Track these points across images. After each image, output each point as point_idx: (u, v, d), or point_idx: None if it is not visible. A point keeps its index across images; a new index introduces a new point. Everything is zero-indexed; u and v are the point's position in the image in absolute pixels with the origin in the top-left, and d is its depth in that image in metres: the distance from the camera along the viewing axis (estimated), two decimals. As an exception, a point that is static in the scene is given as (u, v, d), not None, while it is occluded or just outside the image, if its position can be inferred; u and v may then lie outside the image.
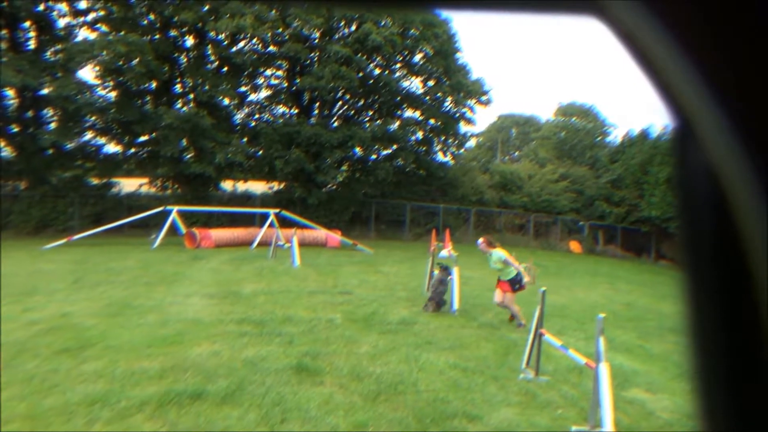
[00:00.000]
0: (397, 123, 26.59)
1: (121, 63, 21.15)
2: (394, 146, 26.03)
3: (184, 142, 22.64)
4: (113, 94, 23.02)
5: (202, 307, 8.47)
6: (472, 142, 35.89)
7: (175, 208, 17.87)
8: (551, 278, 14.67)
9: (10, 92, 22.40)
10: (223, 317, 7.79)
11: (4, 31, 22.57)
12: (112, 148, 23.67)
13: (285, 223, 18.45)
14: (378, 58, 25.20)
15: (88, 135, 23.17)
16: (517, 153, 52.57)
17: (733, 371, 0.38)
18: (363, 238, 22.29)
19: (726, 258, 0.38)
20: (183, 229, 17.72)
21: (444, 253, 17.85)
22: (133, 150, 23.65)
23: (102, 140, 23.45)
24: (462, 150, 29.64)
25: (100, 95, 22.44)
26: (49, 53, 22.43)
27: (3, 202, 20.72)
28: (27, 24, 22.83)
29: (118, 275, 11.10)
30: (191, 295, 9.30)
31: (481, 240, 8.82)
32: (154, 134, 22.36)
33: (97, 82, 22.51)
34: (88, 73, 60.55)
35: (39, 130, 21.38)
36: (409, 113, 27.24)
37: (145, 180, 23.69)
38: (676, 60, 0.34)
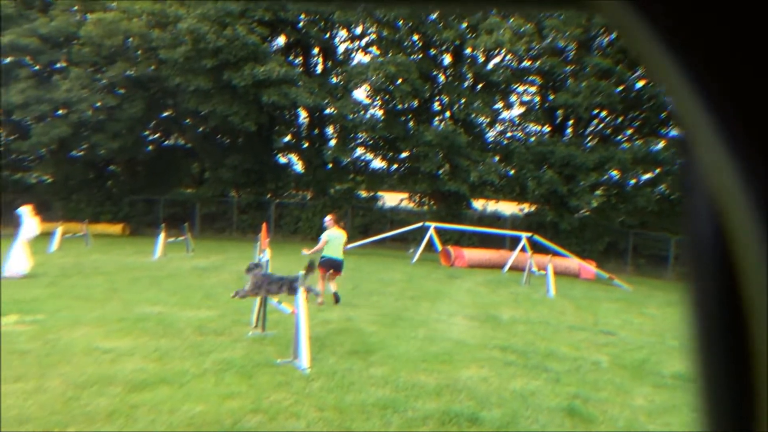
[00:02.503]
0: (662, 143, 24.14)
1: (388, 83, 23.26)
2: (657, 170, 23.69)
3: (440, 159, 23.93)
4: (380, 113, 25.63)
5: (465, 328, 8.97)
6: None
7: (433, 225, 19.16)
8: None
9: (303, 113, 26.70)
10: (486, 342, 8.14)
11: (299, 59, 27.04)
12: (378, 163, 26.53)
13: (536, 248, 18.33)
14: (641, 69, 23.33)
15: (359, 151, 26.35)
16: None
17: (736, 375, 0.40)
18: (619, 272, 20.85)
19: (724, 267, 0.39)
20: (439, 246, 18.89)
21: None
22: (395, 166, 26.04)
23: (370, 156, 26.45)
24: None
25: (370, 114, 25.16)
26: (333, 76, 26.02)
27: (293, 210, 24.89)
28: (316, 50, 26.94)
29: (387, 286, 12.42)
30: (453, 314, 9.91)
31: (329, 217, 10.16)
32: (415, 150, 24.00)
33: (368, 101, 25.30)
34: (361, 94, 68.25)
35: (323, 146, 25.06)
36: (676, 132, 24.53)
37: (405, 195, 25.89)
38: (667, 62, 0.35)
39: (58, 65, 24.84)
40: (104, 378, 5.54)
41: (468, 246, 21.34)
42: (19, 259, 11.48)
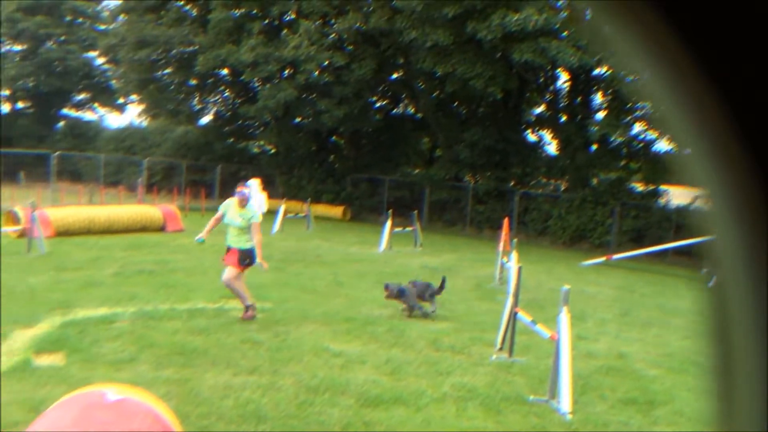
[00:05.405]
0: None
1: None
2: None
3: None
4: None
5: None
6: None
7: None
8: None
9: (564, 75, 26.11)
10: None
11: None
12: (663, 145, 24.81)
13: None
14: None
15: (637, 127, 24.72)
16: None
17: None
18: None
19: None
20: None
21: None
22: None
23: (653, 134, 24.72)
24: None
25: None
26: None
27: (543, 203, 24.67)
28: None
29: (671, 316, 11.75)
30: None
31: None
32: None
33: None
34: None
35: (587, 120, 24.28)
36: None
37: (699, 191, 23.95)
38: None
39: (287, 18, 28.13)
40: (336, 385, 6.29)
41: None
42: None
